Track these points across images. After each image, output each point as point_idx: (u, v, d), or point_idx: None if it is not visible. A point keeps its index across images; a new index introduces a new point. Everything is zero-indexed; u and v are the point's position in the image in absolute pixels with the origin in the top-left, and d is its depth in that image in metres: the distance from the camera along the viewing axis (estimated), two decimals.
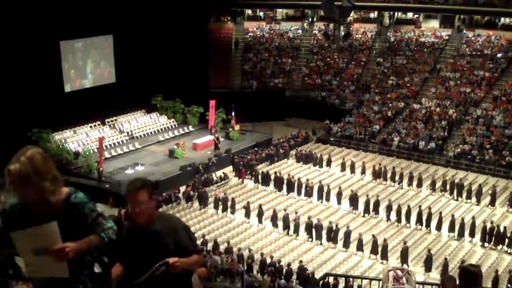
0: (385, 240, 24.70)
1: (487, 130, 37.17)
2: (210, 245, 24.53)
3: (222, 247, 24.35)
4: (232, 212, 28.84)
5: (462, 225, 26.41)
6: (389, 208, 28.23)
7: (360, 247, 25.07)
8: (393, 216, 28.14)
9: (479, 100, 40.45)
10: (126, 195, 4.11)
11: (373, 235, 25.24)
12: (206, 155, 35.03)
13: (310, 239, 26.36)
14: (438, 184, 31.77)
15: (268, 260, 22.96)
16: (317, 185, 30.80)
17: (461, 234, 26.40)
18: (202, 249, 23.44)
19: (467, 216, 27.68)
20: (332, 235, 25.84)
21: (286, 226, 27.10)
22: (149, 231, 4.12)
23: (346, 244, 25.37)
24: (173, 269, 3.98)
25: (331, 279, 19.69)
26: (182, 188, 30.52)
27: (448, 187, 31.30)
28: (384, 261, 24.17)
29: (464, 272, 4.66)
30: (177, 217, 4.53)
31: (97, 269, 3.85)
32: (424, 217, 27.36)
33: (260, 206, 28.34)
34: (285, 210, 28.10)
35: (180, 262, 4.01)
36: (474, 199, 30.25)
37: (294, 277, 22.16)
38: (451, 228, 26.67)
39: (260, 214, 27.90)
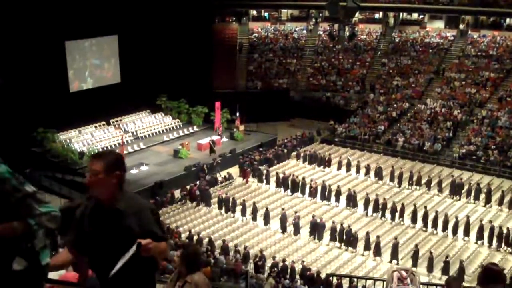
0: (378, 237, 24.89)
1: (492, 131, 37.07)
2: (217, 245, 24.62)
3: (220, 247, 24.39)
4: (233, 211, 29.00)
5: (457, 223, 26.57)
6: (384, 207, 28.52)
7: (353, 244, 25.45)
8: (389, 215, 28.48)
9: (484, 101, 40.35)
10: None
11: (367, 232, 25.51)
12: (210, 155, 35.05)
13: (314, 239, 26.41)
14: (444, 184, 31.75)
15: (272, 260, 22.96)
16: (321, 185, 30.83)
17: (454, 232, 26.64)
18: (207, 249, 23.48)
19: (469, 215, 27.59)
20: (337, 235, 25.89)
21: (283, 226, 27.23)
22: (112, 211, 3.68)
23: (349, 243, 25.56)
24: (145, 252, 3.53)
25: (335, 280, 19.71)
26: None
27: (449, 188, 31.32)
28: (377, 258, 24.71)
29: (488, 271, 4.85)
30: (143, 198, 4.02)
31: (19, 265, 3.07)
32: (420, 216, 27.59)
33: (254, 203, 28.62)
34: (283, 209, 28.26)
35: (153, 245, 3.58)
36: (479, 200, 30.25)
37: (298, 277, 22.19)
38: (445, 227, 26.88)
39: (254, 213, 28.25)
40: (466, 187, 30.90)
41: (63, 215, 4.32)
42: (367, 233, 25.34)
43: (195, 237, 24.96)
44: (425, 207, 27.95)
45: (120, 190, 3.74)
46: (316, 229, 26.31)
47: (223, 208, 29.18)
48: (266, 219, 27.64)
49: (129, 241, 3.55)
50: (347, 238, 25.50)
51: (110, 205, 3.69)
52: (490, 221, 26.76)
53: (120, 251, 3.56)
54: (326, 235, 26.30)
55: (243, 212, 28.50)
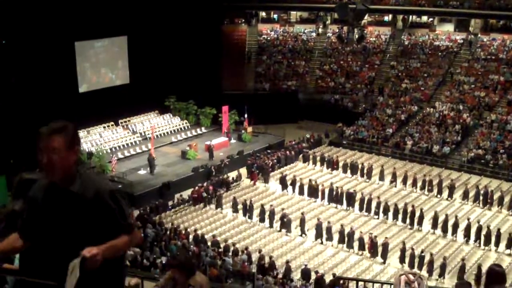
0: (375, 237, 25.00)
1: (501, 134, 36.89)
2: (224, 247, 24.63)
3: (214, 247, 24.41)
4: (235, 211, 29.13)
5: (456, 226, 26.68)
6: (386, 210, 28.63)
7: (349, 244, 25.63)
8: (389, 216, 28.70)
9: (494, 104, 40.17)
10: (37, 140, 3.18)
11: (370, 234, 25.53)
12: (218, 157, 35.07)
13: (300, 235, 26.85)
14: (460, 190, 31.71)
15: (275, 261, 22.99)
16: (329, 187, 30.79)
17: (445, 233, 26.91)
18: (213, 250, 23.46)
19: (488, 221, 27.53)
20: (339, 236, 25.92)
21: (268, 221, 27.64)
22: (67, 193, 3.22)
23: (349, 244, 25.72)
24: (92, 265, 2.97)
25: (341, 282, 19.65)
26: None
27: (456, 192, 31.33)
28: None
29: (492, 272, 5.00)
30: (104, 178, 3.50)
31: None
32: (416, 218, 27.74)
33: (251, 201, 28.76)
34: (271, 205, 28.46)
35: (101, 252, 3.01)
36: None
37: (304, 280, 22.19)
38: (441, 228, 27.06)
39: (250, 212, 28.50)
40: (473, 191, 30.79)
41: (20, 184, 4.09)
42: (370, 234, 25.44)
43: (202, 238, 25.04)
44: (421, 209, 28.10)
45: (76, 168, 3.30)
46: (303, 224, 26.61)
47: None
48: (263, 217, 27.89)
49: (85, 229, 3.18)
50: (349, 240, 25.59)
51: (65, 186, 3.24)
52: (478, 221, 26.96)
53: (74, 240, 3.14)
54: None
55: (244, 213, 28.71)
